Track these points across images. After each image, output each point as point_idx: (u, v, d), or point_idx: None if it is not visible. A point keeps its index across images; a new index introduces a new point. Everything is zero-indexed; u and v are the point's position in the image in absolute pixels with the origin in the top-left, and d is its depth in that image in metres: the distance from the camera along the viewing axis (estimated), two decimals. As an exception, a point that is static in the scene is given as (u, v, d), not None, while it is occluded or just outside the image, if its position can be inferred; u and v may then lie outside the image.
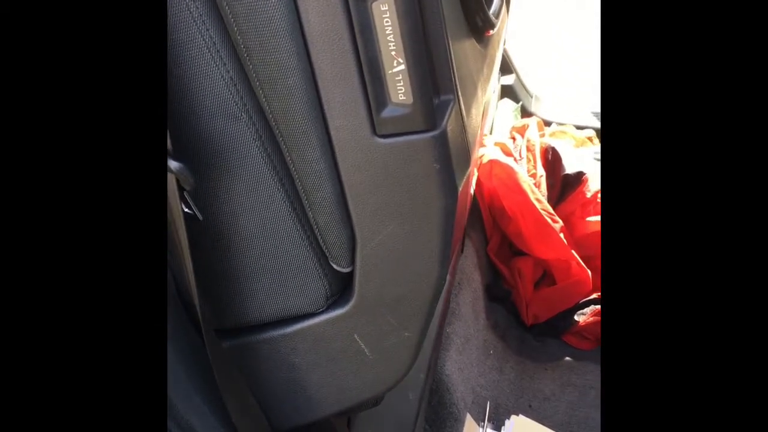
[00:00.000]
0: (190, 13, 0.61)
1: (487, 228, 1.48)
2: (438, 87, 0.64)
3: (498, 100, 1.79)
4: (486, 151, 1.44)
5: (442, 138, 0.64)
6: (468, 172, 0.73)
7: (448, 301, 1.22)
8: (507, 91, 1.84)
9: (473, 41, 0.77)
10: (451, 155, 0.65)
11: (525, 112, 1.83)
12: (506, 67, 1.82)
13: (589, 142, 1.69)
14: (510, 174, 1.39)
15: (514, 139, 1.59)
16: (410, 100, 0.61)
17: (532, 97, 1.88)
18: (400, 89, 0.61)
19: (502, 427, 1.23)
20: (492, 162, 1.41)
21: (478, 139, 0.80)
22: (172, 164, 0.61)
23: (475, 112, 0.76)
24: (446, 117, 0.64)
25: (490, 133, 1.64)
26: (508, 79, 1.83)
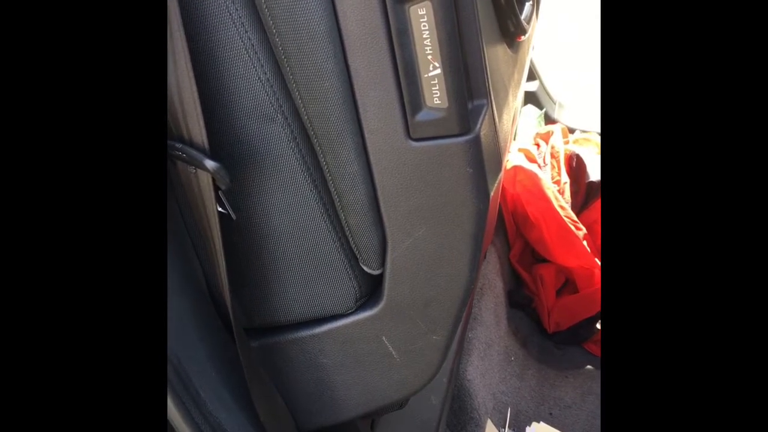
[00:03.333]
0: (230, 14, 0.61)
1: (510, 234, 1.48)
2: (472, 91, 0.65)
3: (522, 107, 1.78)
4: (510, 157, 1.43)
5: (476, 142, 0.64)
6: (499, 177, 0.73)
7: (470, 307, 1.22)
8: (530, 98, 1.83)
9: (505, 46, 0.77)
10: (483, 160, 0.65)
11: (548, 119, 1.82)
12: (530, 74, 1.82)
13: (613, 150, 1.68)
14: (534, 180, 1.39)
15: (538, 145, 1.58)
16: (445, 104, 0.61)
17: (555, 104, 1.87)
18: (435, 93, 0.61)
19: (523, 434, 1.23)
20: (516, 168, 1.41)
21: (508, 144, 0.80)
22: (209, 164, 0.61)
23: (507, 118, 0.76)
24: (480, 121, 0.64)
25: (514, 139, 1.63)
26: (532, 86, 1.83)
